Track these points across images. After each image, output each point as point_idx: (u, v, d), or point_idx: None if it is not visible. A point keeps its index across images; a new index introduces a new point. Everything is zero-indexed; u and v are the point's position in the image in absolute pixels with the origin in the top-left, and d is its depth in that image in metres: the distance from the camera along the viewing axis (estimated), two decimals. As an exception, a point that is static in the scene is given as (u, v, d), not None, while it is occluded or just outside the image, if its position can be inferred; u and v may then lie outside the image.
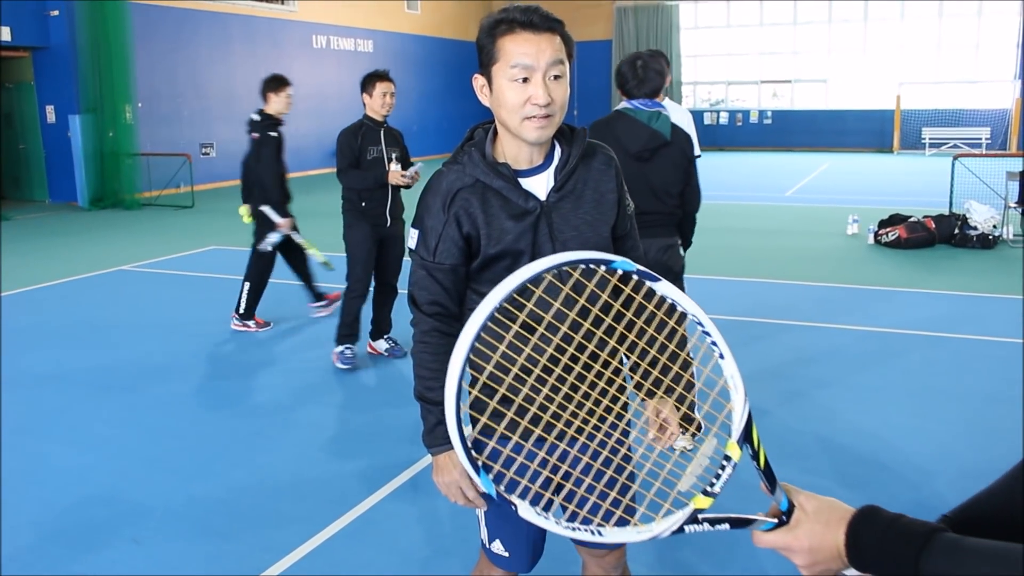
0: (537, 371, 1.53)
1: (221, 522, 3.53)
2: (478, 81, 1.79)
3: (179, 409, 4.86)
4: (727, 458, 1.27)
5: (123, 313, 7.12)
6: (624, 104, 3.92)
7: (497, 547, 2.03)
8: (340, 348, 5.50)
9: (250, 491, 3.82)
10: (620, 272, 1.34)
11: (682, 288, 4.50)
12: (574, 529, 1.31)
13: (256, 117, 6.20)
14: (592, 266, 1.32)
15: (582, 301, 1.51)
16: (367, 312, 5.69)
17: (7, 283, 8.24)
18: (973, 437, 4.20)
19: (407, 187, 5.48)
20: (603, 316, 1.57)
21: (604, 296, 1.54)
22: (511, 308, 1.39)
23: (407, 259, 6.95)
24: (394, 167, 5.42)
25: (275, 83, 6.26)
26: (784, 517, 1.19)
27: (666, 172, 3.88)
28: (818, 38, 24.97)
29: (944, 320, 6.32)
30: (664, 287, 1.34)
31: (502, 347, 1.46)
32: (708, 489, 1.27)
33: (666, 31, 25.81)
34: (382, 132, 5.46)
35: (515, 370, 1.51)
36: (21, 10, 14.48)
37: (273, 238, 6.21)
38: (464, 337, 1.27)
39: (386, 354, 5.74)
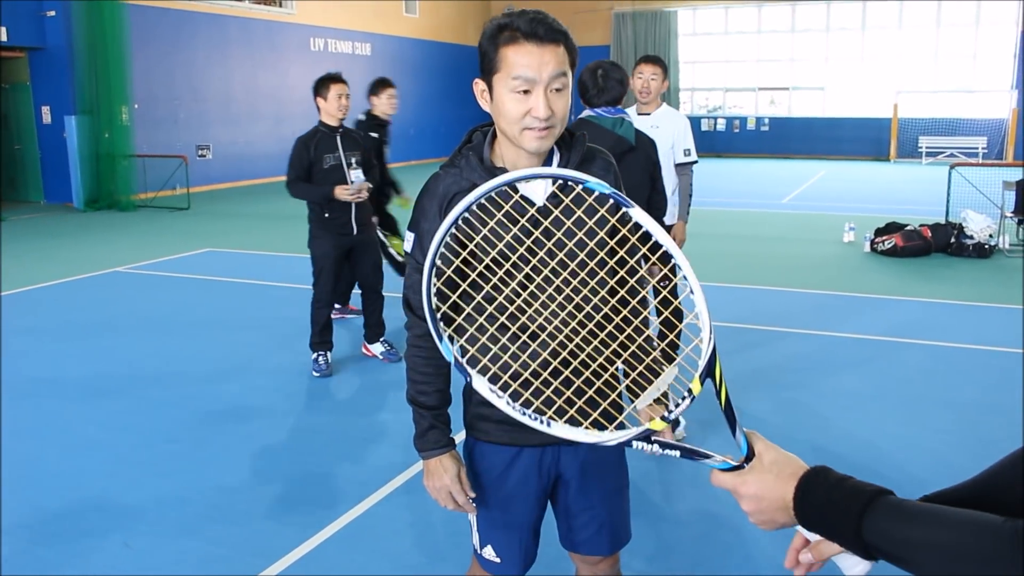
0: (514, 284, 1.62)
1: (213, 526, 3.51)
2: (478, 86, 1.76)
3: (172, 412, 4.84)
4: (688, 391, 1.29)
5: (117, 315, 7.09)
6: (587, 112, 3.97)
7: (489, 552, 2.02)
8: (314, 356, 5.46)
9: (242, 495, 3.79)
10: (597, 193, 1.40)
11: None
12: (524, 414, 1.33)
13: (362, 117, 6.33)
14: (571, 183, 1.39)
15: (567, 223, 1.60)
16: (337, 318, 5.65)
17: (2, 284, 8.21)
18: (968, 447, 4.20)
19: (365, 199, 5.37)
20: (587, 240, 1.64)
21: (590, 223, 1.59)
22: (498, 222, 1.56)
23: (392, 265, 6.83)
24: (355, 174, 5.31)
25: (377, 85, 6.36)
26: (745, 462, 1.21)
27: (634, 177, 3.93)
28: (816, 46, 25.04)
29: (940, 329, 6.32)
30: (638, 214, 1.38)
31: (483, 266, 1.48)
32: (665, 415, 1.29)
33: (664, 37, 25.87)
34: (338, 137, 5.35)
35: (494, 282, 1.61)
36: (18, 10, 14.45)
37: None
38: (447, 221, 1.37)
39: (382, 358, 5.71)
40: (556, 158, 1.84)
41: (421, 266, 1.83)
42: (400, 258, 6.51)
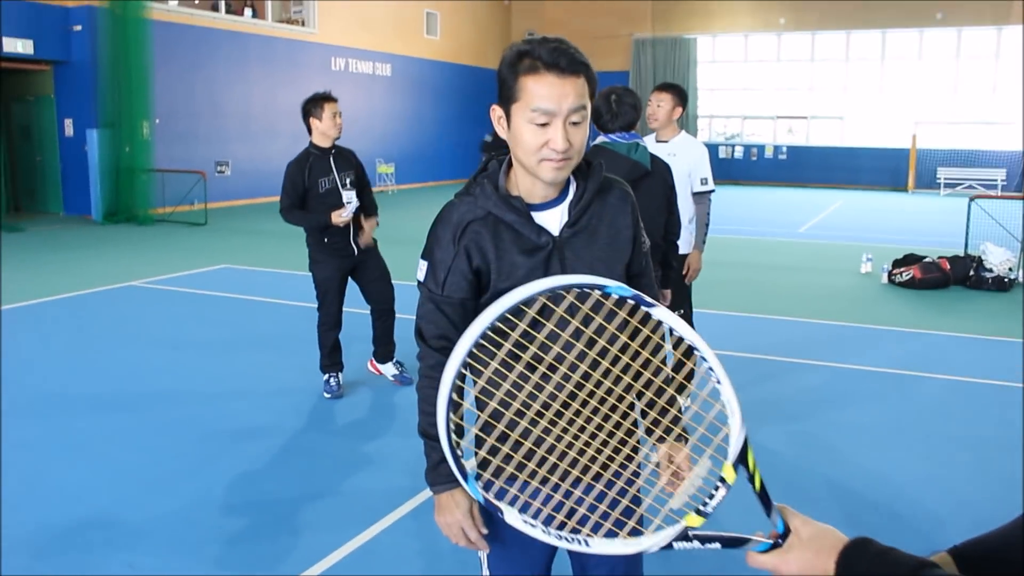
0: (537, 405, 1.54)
1: (217, 547, 3.47)
2: (496, 112, 1.73)
3: (181, 429, 4.82)
4: (722, 479, 1.26)
5: (131, 329, 7.10)
6: (602, 138, 3.98)
7: (499, 590, 1.97)
8: (325, 377, 5.43)
9: (247, 516, 3.76)
10: (615, 297, 1.34)
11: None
12: (560, 538, 1.31)
13: (488, 139, 6.33)
14: (587, 290, 1.33)
15: (588, 332, 1.51)
16: (363, 334, 5.64)
17: (16, 296, 8.25)
18: (989, 486, 4.10)
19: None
20: (608, 347, 1.56)
21: (611, 327, 1.54)
22: (516, 339, 1.43)
23: (405, 283, 6.79)
24: (348, 195, 5.23)
25: None
26: (780, 540, 1.19)
27: (651, 202, 3.94)
28: (835, 75, 25.03)
29: (957, 363, 6.23)
30: (660, 312, 1.34)
31: (505, 384, 1.47)
32: (701, 508, 1.27)
33: (683, 64, 25.94)
34: (331, 158, 5.26)
35: (516, 405, 1.51)
36: (44, 24, 14.65)
37: None
38: (458, 350, 1.30)
39: (393, 380, 5.67)
40: (572, 188, 1.81)
41: (434, 295, 1.81)
42: None
